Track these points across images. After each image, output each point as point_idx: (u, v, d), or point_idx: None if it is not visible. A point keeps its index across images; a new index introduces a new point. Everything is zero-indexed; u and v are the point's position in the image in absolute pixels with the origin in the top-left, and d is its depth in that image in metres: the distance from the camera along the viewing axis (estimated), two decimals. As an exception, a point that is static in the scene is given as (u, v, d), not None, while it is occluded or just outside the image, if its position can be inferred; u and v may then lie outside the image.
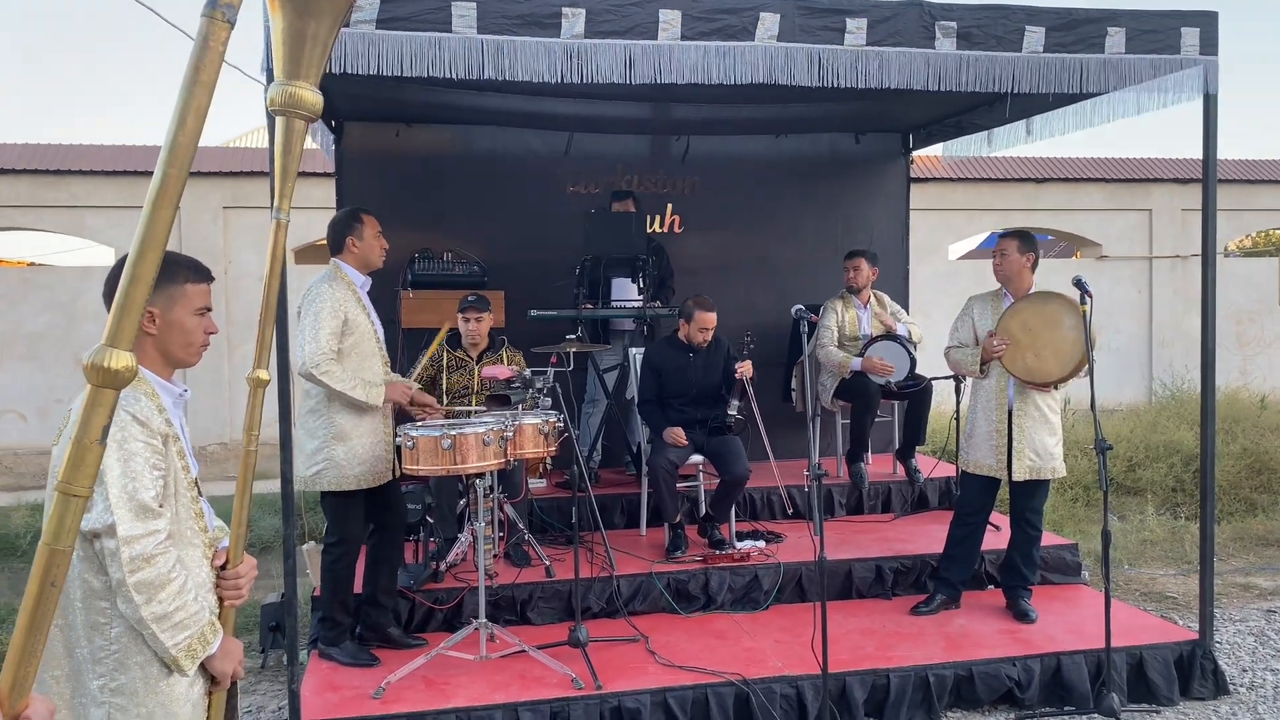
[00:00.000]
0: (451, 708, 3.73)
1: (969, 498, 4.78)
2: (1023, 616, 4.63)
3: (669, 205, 7.06)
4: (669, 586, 4.83)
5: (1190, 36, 4.24)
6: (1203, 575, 4.49)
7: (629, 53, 3.73)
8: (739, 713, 3.94)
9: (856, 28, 3.92)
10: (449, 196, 6.66)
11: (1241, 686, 4.46)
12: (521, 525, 5.09)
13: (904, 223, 7.46)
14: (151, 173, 1.09)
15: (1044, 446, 4.54)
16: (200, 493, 2.14)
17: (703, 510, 5.51)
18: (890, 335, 6.06)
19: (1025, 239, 4.66)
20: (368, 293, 4.18)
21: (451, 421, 4.30)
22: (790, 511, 5.97)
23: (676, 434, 5.09)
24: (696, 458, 5.29)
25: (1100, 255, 12.70)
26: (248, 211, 10.93)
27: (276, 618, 4.75)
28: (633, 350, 5.94)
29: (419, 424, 4.16)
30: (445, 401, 5.03)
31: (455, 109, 5.95)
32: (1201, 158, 4.43)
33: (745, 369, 5.08)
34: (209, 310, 2.17)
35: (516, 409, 4.47)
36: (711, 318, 5.18)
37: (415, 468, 3.99)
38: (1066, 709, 4.16)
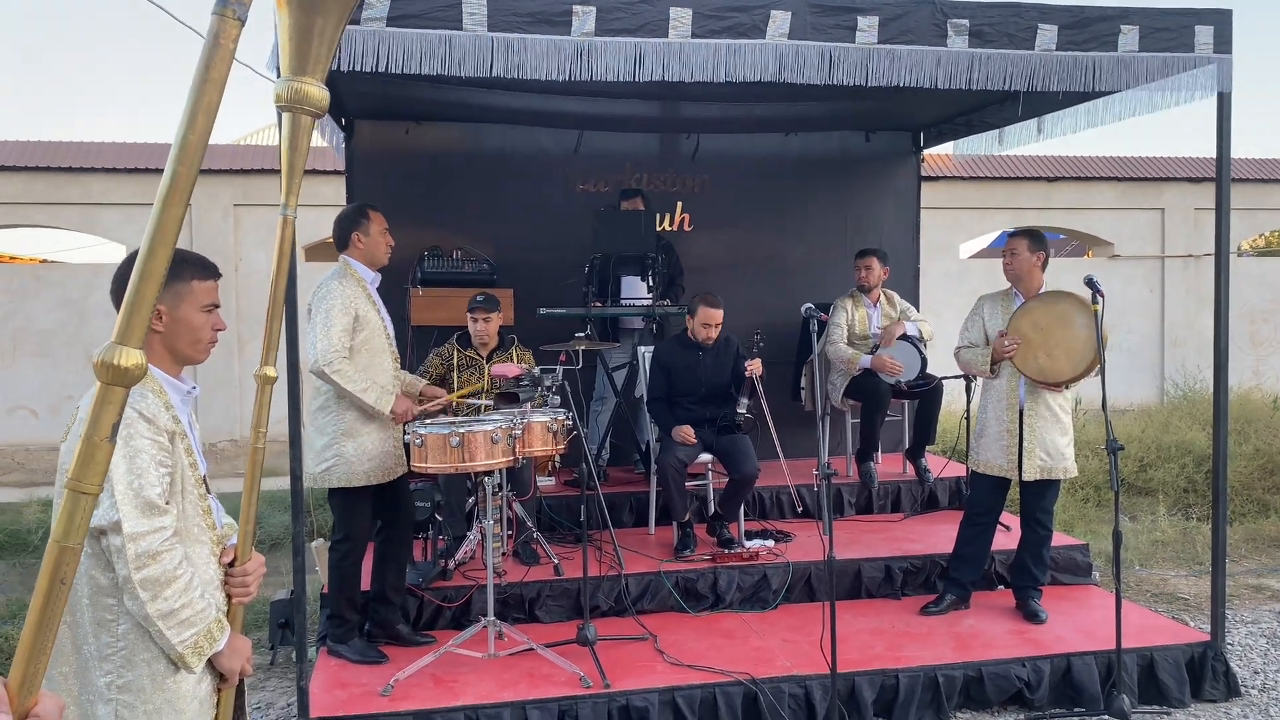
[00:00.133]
0: (460, 705, 3.74)
1: (979, 498, 4.76)
2: (1033, 617, 4.61)
3: (679, 203, 7.06)
4: (677, 585, 4.83)
5: (1204, 34, 4.21)
6: (1215, 576, 4.47)
7: (639, 50, 3.72)
8: (747, 712, 3.93)
9: (868, 25, 3.90)
10: (459, 194, 6.67)
11: (1253, 689, 4.43)
12: (530, 523, 5.09)
13: (914, 221, 7.44)
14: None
15: (1055, 446, 4.52)
16: (208, 489, 2.14)
17: (711, 509, 5.51)
18: (900, 335, 6.04)
19: (1035, 238, 4.64)
20: (377, 289, 4.19)
21: (460, 419, 4.31)
22: (800, 510, 5.96)
23: (685, 432, 5.09)
24: (705, 456, 5.28)
25: (1112, 254, 12.63)
26: (258, 209, 10.96)
27: (286, 614, 4.76)
28: (642, 348, 5.94)
29: (428, 421, 4.17)
30: (454, 402, 5.03)
31: (465, 107, 5.95)
32: (1215, 156, 4.40)
33: (755, 367, 5.07)
34: (217, 307, 2.16)
35: (525, 407, 4.47)
36: (716, 314, 5.17)
37: (424, 465, 3.99)
38: (1076, 710, 4.14)
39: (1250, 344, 12.66)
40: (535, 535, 5.06)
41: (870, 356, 5.99)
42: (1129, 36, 4.16)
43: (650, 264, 6.04)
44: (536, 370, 4.69)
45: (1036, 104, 5.46)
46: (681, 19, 3.75)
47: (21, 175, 10.57)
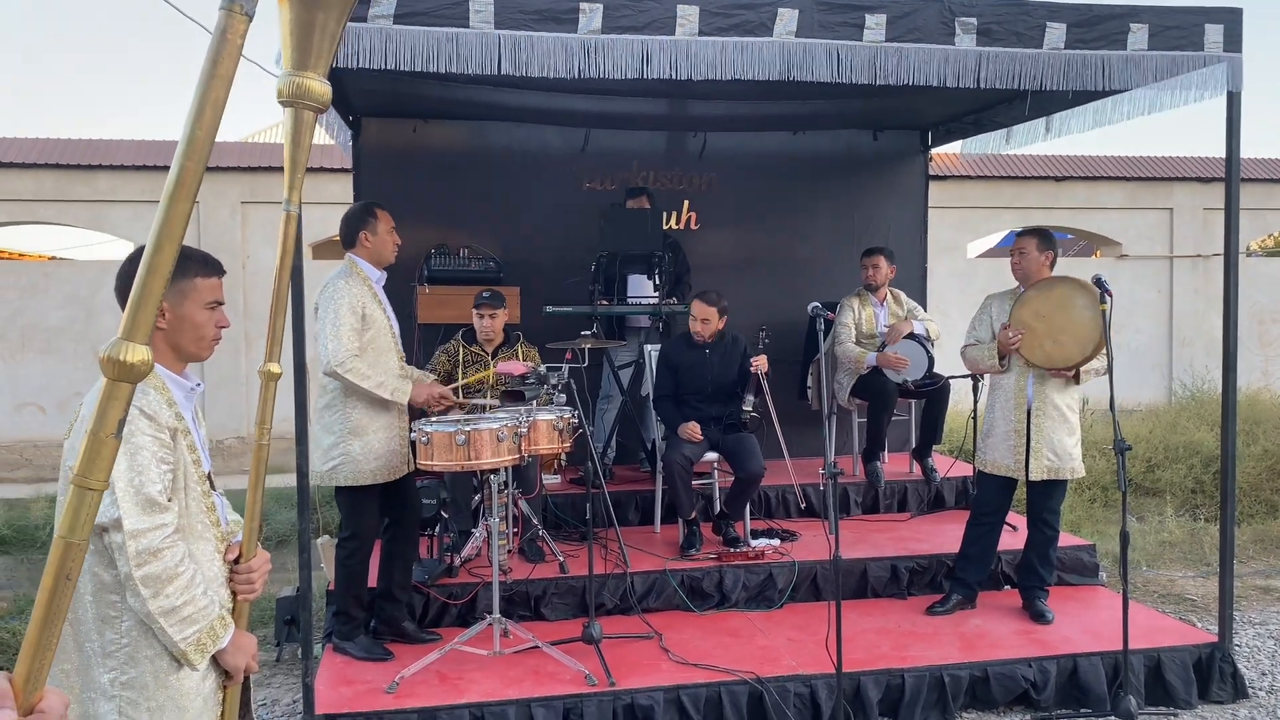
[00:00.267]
0: (465, 703, 3.74)
1: (986, 497, 4.75)
2: (1039, 617, 4.60)
3: (685, 202, 7.05)
4: (683, 584, 4.82)
5: (1214, 33, 4.19)
6: (1222, 577, 4.45)
7: (646, 48, 3.72)
8: (752, 711, 3.93)
9: (876, 23, 3.89)
10: (465, 192, 6.67)
11: (1261, 690, 4.41)
12: (536, 521, 5.09)
13: (922, 220, 7.42)
14: (176, 168, 1.08)
15: (1062, 447, 4.50)
16: (213, 486, 2.14)
17: (717, 508, 5.50)
18: (908, 334, 6.03)
19: (1044, 237, 4.62)
20: (383, 287, 4.19)
21: (466, 417, 4.31)
22: (803, 506, 5.96)
23: (691, 428, 5.08)
24: (711, 455, 5.27)
25: (1120, 254, 12.59)
26: (266, 206, 10.98)
27: (292, 611, 4.77)
28: (648, 347, 5.94)
29: (434, 419, 4.17)
30: (460, 396, 5.03)
31: (472, 105, 5.96)
32: (1224, 156, 4.38)
33: (760, 363, 5.06)
34: (220, 304, 2.16)
35: (531, 405, 4.47)
36: (706, 309, 5.16)
37: (430, 463, 4.00)
38: (1083, 711, 4.13)
39: (1259, 344, 12.61)
40: (541, 533, 5.06)
41: (876, 354, 5.98)
42: (1138, 35, 4.14)
43: (657, 262, 6.04)
44: (542, 368, 4.69)
45: (1044, 103, 5.44)
46: (689, 17, 3.75)
47: (30, 172, 10.61)
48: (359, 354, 3.97)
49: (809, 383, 6.65)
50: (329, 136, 6.11)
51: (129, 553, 1.90)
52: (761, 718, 3.91)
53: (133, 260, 2.12)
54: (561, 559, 4.90)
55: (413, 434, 4.11)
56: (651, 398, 5.55)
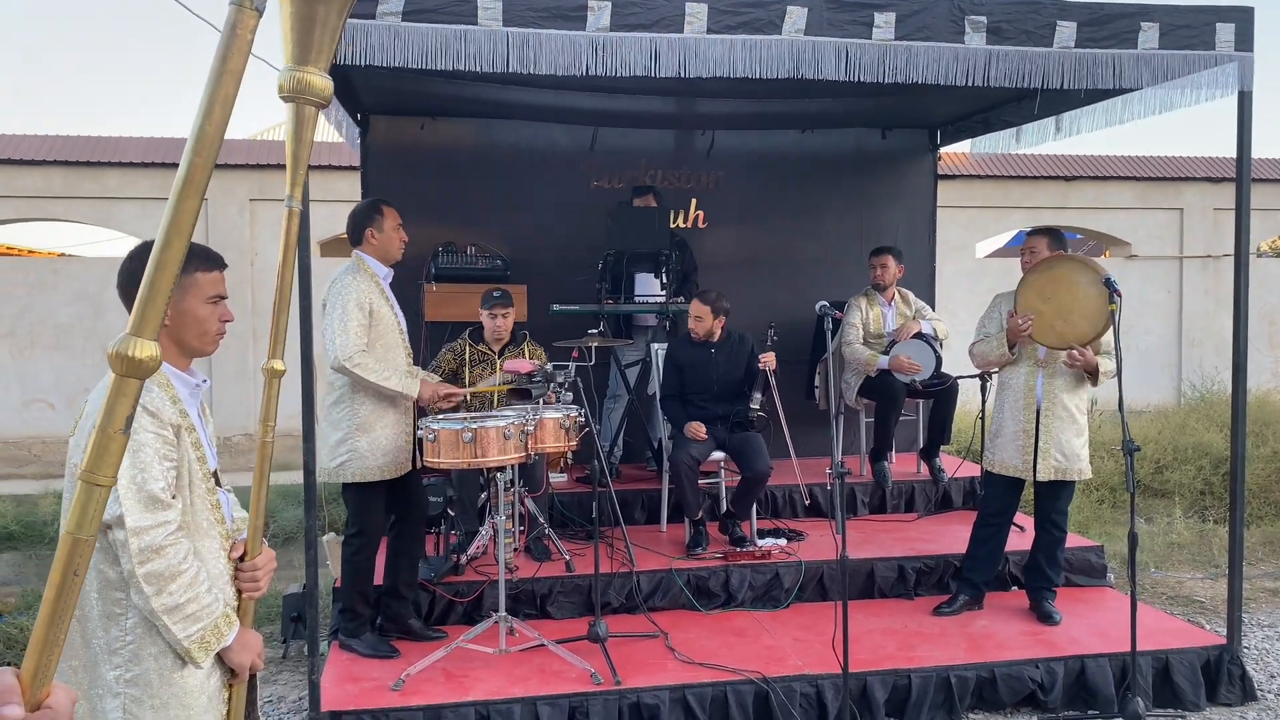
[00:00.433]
0: (470, 701, 3.74)
1: (993, 498, 4.73)
2: (1046, 618, 4.58)
3: (693, 200, 7.04)
4: (689, 583, 4.82)
5: (1225, 32, 4.17)
6: (1231, 579, 4.42)
7: (654, 46, 3.71)
8: (758, 711, 3.92)
9: (885, 22, 3.88)
10: (473, 190, 6.67)
11: (1269, 693, 4.39)
12: (542, 519, 5.09)
13: (930, 219, 7.40)
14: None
15: (1070, 448, 4.48)
16: (219, 483, 2.13)
17: (724, 507, 5.50)
18: (916, 333, 6.01)
19: (1055, 236, 4.61)
20: (390, 284, 4.19)
21: (473, 415, 4.31)
22: (808, 504, 5.95)
23: (696, 428, 5.08)
24: (718, 454, 5.27)
25: (1130, 254, 12.54)
26: (274, 204, 10.99)
27: (298, 608, 4.78)
28: (655, 345, 5.93)
29: (440, 416, 4.17)
30: (468, 398, 5.03)
31: (480, 102, 5.96)
32: (1235, 156, 4.36)
33: (769, 360, 5.05)
34: (223, 298, 2.15)
35: (538, 403, 4.47)
36: (701, 308, 5.16)
37: (436, 460, 3.99)
38: (1090, 713, 4.11)
39: (1269, 345, 12.56)
40: (547, 531, 5.06)
41: (887, 357, 5.96)
42: (1149, 34, 4.12)
43: (664, 261, 6.03)
44: (549, 366, 4.69)
45: (1054, 102, 5.42)
46: (697, 14, 3.74)
47: (39, 169, 10.64)
48: (366, 349, 3.97)
49: (816, 382, 6.64)
50: (338, 134, 6.12)
51: (131, 550, 1.90)
52: (767, 717, 3.91)
53: (134, 257, 2.12)
54: (567, 557, 4.90)
55: (419, 430, 4.11)
56: (658, 397, 5.54)
